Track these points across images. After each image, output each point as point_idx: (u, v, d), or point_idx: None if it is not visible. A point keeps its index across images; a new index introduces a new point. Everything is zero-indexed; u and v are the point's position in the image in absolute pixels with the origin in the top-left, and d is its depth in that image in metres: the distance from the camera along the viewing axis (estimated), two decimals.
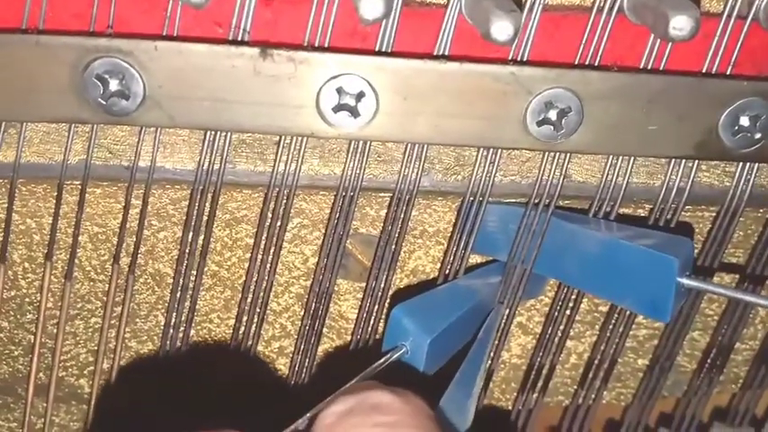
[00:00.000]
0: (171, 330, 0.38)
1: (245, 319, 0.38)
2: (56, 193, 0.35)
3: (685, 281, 0.32)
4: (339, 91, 0.31)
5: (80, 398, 0.42)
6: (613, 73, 0.31)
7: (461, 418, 0.33)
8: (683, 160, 0.35)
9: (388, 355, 0.33)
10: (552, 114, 0.32)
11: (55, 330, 0.39)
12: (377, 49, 0.32)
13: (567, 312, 0.40)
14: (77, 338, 0.41)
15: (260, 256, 0.37)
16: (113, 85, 0.30)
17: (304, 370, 0.40)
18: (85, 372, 0.41)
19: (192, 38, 0.30)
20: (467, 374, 0.34)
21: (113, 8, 0.30)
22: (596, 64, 0.32)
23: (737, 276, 0.39)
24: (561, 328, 0.40)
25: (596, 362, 0.41)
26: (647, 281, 0.32)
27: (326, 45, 0.31)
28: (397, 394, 0.28)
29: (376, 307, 0.39)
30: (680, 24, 0.27)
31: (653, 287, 0.32)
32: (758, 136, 0.32)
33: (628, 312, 0.39)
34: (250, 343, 0.39)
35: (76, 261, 0.38)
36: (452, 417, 0.33)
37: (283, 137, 0.33)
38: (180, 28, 0.31)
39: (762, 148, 0.32)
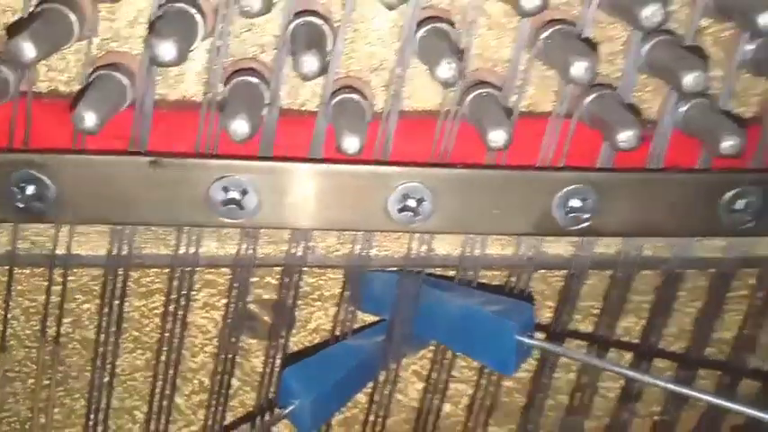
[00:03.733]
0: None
1: (160, 377, 0.43)
2: None
3: (525, 340, 0.38)
4: (225, 189, 0.36)
5: None
6: (459, 169, 0.37)
7: None
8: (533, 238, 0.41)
9: (277, 414, 0.38)
10: (411, 203, 0.37)
11: None
12: (259, 153, 0.37)
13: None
14: (17, 397, 0.45)
15: (170, 324, 0.42)
16: (30, 190, 0.35)
17: (217, 421, 0.45)
18: (26, 426, 0.46)
19: (95, 150, 0.36)
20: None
21: (29, 127, 0.36)
22: (447, 161, 0.38)
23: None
24: (446, 374, 0.46)
25: (479, 401, 0.47)
26: (494, 341, 0.38)
27: (215, 151, 0.37)
28: None
29: (278, 362, 0.44)
30: (495, 138, 0.33)
31: (499, 346, 0.38)
32: (587, 216, 0.38)
33: None
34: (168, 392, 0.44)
35: (12, 331, 0.43)
36: None
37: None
38: (87, 140, 0.36)
39: (591, 225, 0.38)
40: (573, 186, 0.37)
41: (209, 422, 0.45)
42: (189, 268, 0.40)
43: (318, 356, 0.41)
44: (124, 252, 0.38)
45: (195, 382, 0.46)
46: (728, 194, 0.38)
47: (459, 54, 0.33)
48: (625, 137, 0.34)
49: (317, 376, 0.40)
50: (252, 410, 0.46)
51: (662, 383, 0.37)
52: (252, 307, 0.44)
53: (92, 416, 0.44)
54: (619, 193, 0.38)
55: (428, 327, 0.42)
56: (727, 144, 0.34)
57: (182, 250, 0.39)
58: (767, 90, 0.40)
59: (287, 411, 0.38)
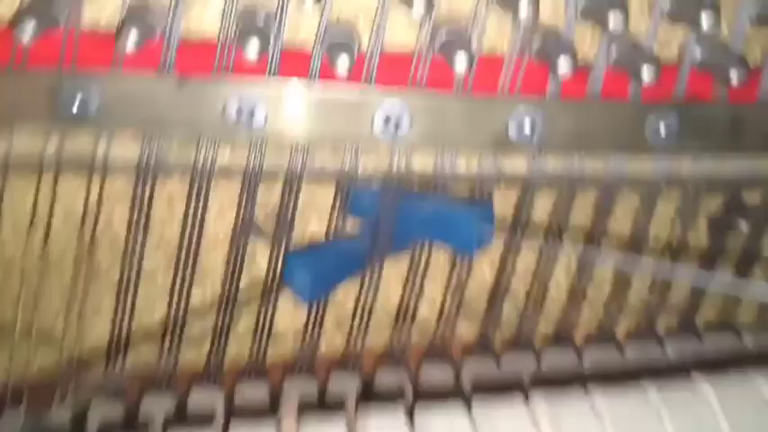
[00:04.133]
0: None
1: (179, 275, 0.51)
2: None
3: (486, 230, 0.47)
4: (239, 105, 0.44)
5: (52, 339, 0.55)
6: (430, 94, 0.45)
7: None
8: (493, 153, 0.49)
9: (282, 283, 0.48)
10: (392, 121, 0.45)
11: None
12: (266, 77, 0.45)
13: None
14: (52, 291, 0.53)
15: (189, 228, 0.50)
16: (76, 103, 0.43)
17: (229, 310, 0.53)
18: (60, 314, 0.54)
19: (133, 70, 0.43)
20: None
21: (76, 51, 0.43)
22: (422, 87, 0.46)
23: None
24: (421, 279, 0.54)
25: (448, 305, 0.55)
26: (459, 229, 0.48)
27: (230, 73, 0.44)
28: None
29: (280, 261, 0.52)
30: (459, 65, 0.41)
31: (463, 233, 0.48)
32: (535, 135, 0.46)
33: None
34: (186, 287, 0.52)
35: (52, 231, 0.50)
36: None
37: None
38: (126, 61, 0.44)
39: (538, 143, 0.46)
40: (524, 111, 0.46)
41: (221, 317, 0.53)
42: (207, 175, 0.48)
43: (316, 245, 0.50)
44: (152, 161, 0.46)
45: (209, 279, 0.54)
46: (651, 119, 0.46)
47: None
48: (562, 65, 0.42)
49: (315, 259, 0.49)
50: (257, 306, 0.55)
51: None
52: (258, 214, 0.52)
53: (119, 309, 0.52)
54: (562, 118, 0.46)
55: (406, 226, 0.50)
56: (646, 75, 0.43)
57: (200, 160, 0.47)
58: (685, 36, 0.48)
59: (290, 283, 0.47)
